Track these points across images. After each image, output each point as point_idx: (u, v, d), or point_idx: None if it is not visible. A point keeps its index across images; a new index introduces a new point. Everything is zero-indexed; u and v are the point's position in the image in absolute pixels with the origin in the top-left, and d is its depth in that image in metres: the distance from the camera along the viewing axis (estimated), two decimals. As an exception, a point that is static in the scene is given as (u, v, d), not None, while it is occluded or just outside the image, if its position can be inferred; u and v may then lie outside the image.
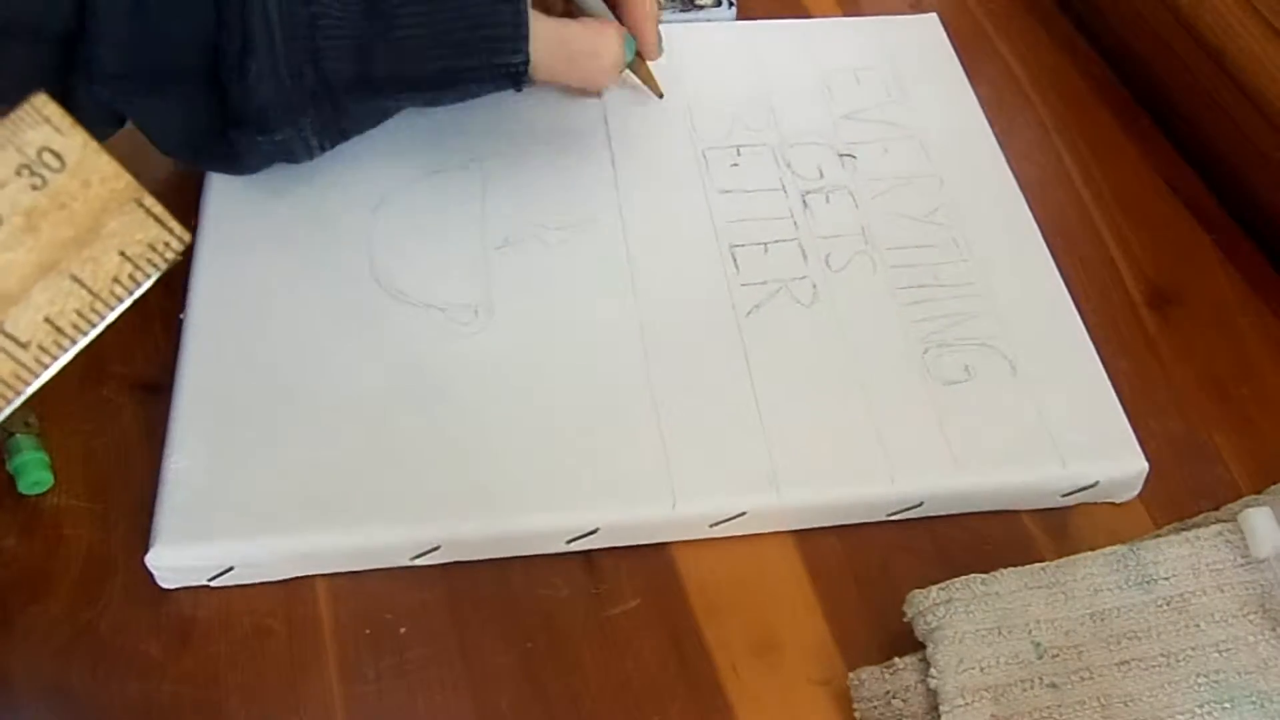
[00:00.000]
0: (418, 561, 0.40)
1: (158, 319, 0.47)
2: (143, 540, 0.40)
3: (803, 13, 0.61)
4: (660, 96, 0.53)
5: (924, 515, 0.42)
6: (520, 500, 0.40)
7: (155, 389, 0.44)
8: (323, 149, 0.46)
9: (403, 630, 0.39)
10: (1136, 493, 0.43)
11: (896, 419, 0.43)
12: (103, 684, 0.38)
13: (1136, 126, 0.57)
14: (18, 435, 0.42)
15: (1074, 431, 0.42)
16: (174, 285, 0.48)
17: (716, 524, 0.41)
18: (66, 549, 0.41)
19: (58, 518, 0.41)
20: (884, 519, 0.42)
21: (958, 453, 0.42)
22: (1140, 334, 0.48)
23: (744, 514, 0.41)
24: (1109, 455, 0.42)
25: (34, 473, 0.41)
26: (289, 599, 0.40)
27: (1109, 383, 0.44)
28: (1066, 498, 0.42)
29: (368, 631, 0.39)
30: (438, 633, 0.39)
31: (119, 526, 0.41)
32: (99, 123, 0.42)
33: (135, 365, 0.45)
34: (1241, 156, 0.54)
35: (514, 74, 0.45)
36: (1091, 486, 0.42)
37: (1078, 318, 0.46)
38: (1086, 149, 0.55)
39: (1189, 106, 0.57)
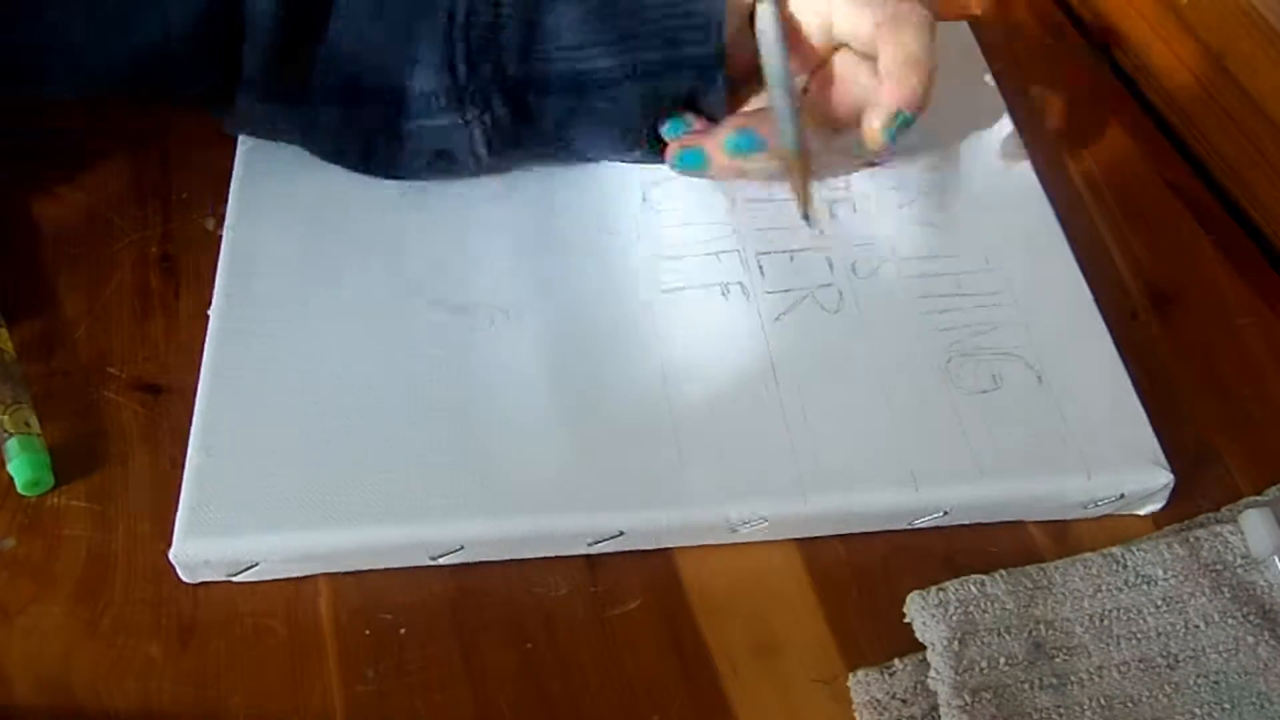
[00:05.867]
0: (440, 561, 0.40)
1: (158, 320, 0.47)
2: (143, 540, 0.41)
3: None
4: (805, 216, 0.46)
5: (947, 524, 0.42)
6: (543, 502, 0.40)
7: (155, 389, 0.44)
8: (490, 153, 0.46)
9: (403, 630, 0.39)
10: (1161, 506, 0.42)
11: (922, 428, 0.42)
12: (103, 684, 0.38)
13: (1136, 126, 0.57)
14: (18, 436, 0.42)
15: (1100, 444, 0.42)
16: (178, 288, 0.48)
17: (740, 529, 0.41)
18: (67, 549, 0.41)
19: (58, 518, 0.41)
20: (906, 527, 0.42)
21: (983, 462, 0.41)
22: (1140, 334, 0.48)
23: (767, 520, 0.41)
24: (1135, 468, 0.42)
25: (34, 473, 0.41)
26: (289, 599, 0.40)
27: (1136, 395, 0.43)
28: (1090, 509, 0.42)
29: (368, 632, 0.39)
30: (438, 633, 0.39)
31: (119, 527, 0.41)
32: (268, 135, 0.49)
33: (135, 365, 0.45)
34: (1241, 156, 0.54)
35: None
36: (1117, 499, 0.42)
37: (1105, 329, 0.45)
38: (1086, 149, 0.55)
39: (1189, 107, 0.57)
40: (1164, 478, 0.41)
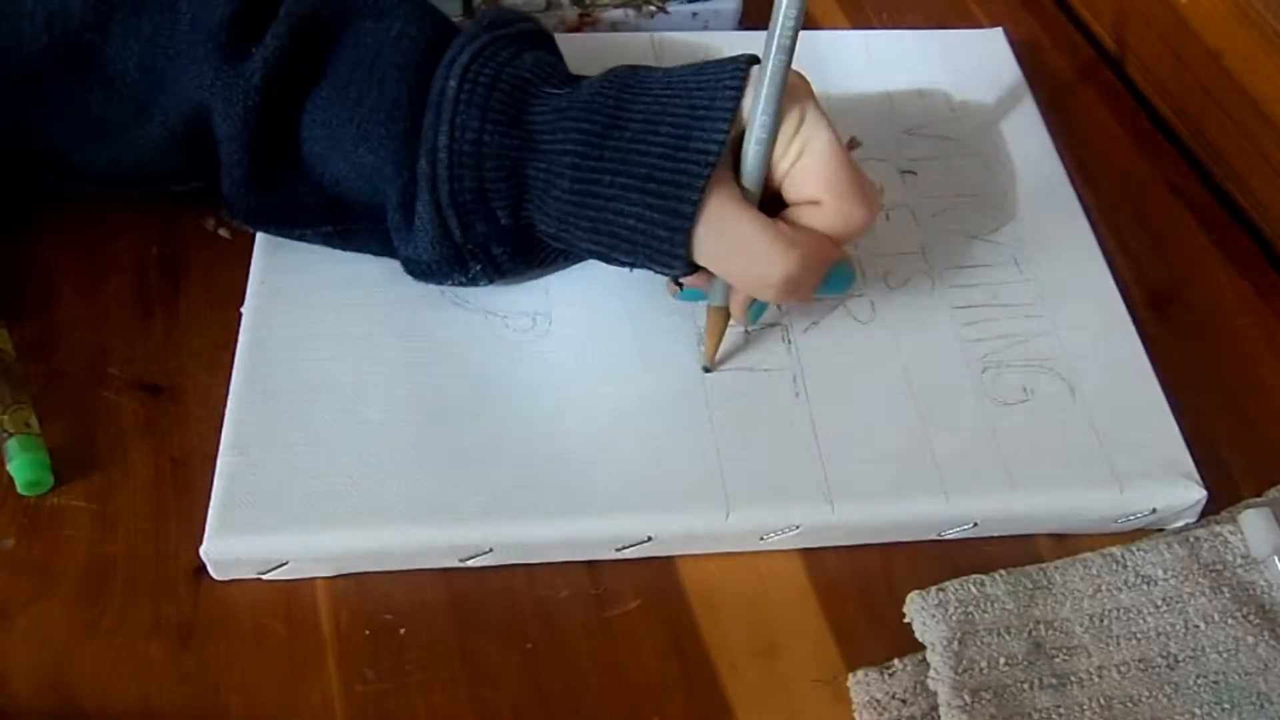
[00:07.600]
0: (469, 563, 0.40)
1: (158, 320, 0.47)
2: (143, 540, 0.41)
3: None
4: (706, 370, 0.44)
5: (976, 536, 0.42)
6: (574, 506, 0.40)
7: (155, 389, 0.44)
8: (495, 279, 0.46)
9: (402, 631, 0.39)
10: (1193, 521, 0.42)
11: (952, 439, 0.42)
12: (103, 684, 0.38)
13: (1136, 126, 0.57)
14: (18, 436, 0.42)
15: (1133, 458, 0.42)
16: (178, 288, 0.48)
17: (768, 537, 0.41)
18: (67, 549, 0.40)
19: (58, 518, 0.41)
20: (935, 538, 0.42)
21: (1014, 475, 0.41)
22: (1140, 334, 0.48)
23: (797, 528, 0.41)
24: (1167, 483, 0.41)
25: (34, 473, 0.41)
26: (289, 600, 0.40)
27: (1169, 410, 0.43)
28: (1121, 523, 0.42)
29: (368, 632, 0.39)
30: (438, 633, 0.39)
31: (119, 527, 0.41)
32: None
33: (135, 365, 0.45)
34: (1241, 156, 0.54)
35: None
36: (1149, 514, 0.42)
37: (1139, 342, 0.45)
38: (1086, 149, 0.55)
39: (1189, 107, 0.57)
40: (1197, 493, 0.41)
